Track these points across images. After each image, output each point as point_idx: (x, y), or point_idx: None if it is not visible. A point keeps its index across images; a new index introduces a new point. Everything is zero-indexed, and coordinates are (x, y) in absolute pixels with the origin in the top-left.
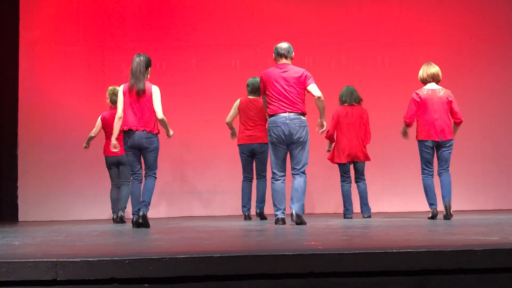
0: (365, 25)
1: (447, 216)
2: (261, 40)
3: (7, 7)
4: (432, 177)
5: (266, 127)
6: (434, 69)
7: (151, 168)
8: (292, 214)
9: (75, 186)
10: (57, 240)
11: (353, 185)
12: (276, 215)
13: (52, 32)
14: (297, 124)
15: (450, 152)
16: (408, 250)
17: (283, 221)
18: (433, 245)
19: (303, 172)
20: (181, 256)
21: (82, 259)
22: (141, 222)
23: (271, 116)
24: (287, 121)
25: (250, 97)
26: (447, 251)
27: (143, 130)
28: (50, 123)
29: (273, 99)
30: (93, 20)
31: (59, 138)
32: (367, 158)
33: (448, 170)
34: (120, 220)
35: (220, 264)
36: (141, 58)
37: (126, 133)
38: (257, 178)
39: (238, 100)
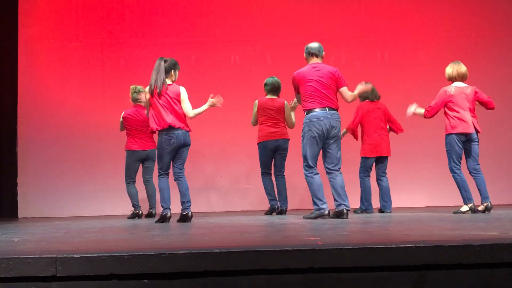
0: (364, 21)
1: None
2: (260, 36)
3: (6, 3)
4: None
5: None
6: (463, 67)
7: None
8: (343, 211)
9: (74, 182)
10: (56, 236)
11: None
12: (322, 209)
13: (51, 28)
14: (336, 119)
15: (478, 146)
16: (407, 245)
17: (330, 214)
18: (433, 240)
19: (339, 169)
20: (181, 252)
21: (81, 255)
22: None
23: (309, 111)
24: (328, 116)
25: (269, 96)
26: (447, 246)
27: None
28: (49, 119)
29: (310, 96)
30: (92, 17)
31: (59, 135)
32: (389, 152)
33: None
34: (150, 216)
35: (220, 260)
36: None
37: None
38: (276, 175)
39: (257, 102)
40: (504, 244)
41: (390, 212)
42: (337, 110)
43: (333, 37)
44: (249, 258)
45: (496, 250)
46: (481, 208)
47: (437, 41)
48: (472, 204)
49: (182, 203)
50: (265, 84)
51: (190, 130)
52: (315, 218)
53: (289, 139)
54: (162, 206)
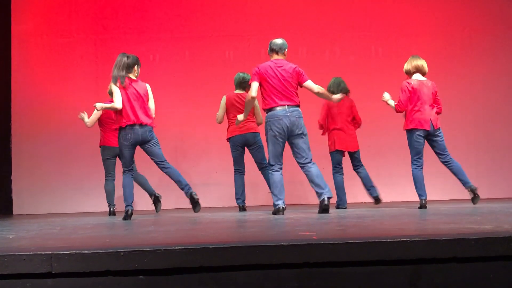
0: (358, 15)
1: (476, 199)
2: (254, 31)
3: None
4: (422, 168)
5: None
6: (421, 61)
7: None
8: (324, 200)
9: (69, 179)
10: (51, 233)
11: (348, 175)
12: (276, 204)
13: (45, 24)
14: (296, 116)
15: (443, 140)
16: (402, 239)
17: (283, 210)
18: (427, 234)
19: (311, 161)
20: (176, 248)
21: (77, 251)
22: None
23: (269, 110)
24: (288, 114)
25: (237, 92)
26: (441, 240)
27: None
28: (43, 116)
29: (270, 93)
30: (86, 12)
31: (53, 131)
32: (357, 147)
33: (451, 157)
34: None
35: (216, 255)
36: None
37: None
38: (260, 169)
39: (224, 97)
40: (498, 237)
41: (378, 197)
42: (298, 106)
43: (327, 32)
44: (245, 253)
45: (491, 243)
46: (470, 195)
47: (431, 35)
48: (423, 199)
49: (183, 189)
50: (234, 80)
51: (154, 127)
52: (273, 214)
53: (258, 133)
54: (124, 203)
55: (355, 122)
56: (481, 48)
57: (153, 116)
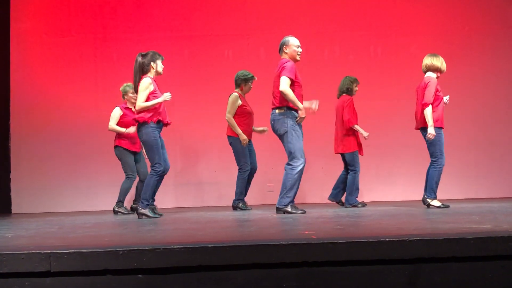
0: (358, 14)
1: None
2: (254, 30)
3: None
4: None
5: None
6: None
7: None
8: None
9: (68, 177)
10: (50, 232)
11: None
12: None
13: (44, 23)
14: (273, 118)
15: None
16: (401, 239)
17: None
18: (426, 233)
19: (288, 164)
20: (175, 247)
21: (75, 250)
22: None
23: None
24: (271, 116)
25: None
26: (440, 239)
27: None
28: (42, 115)
29: None
30: (85, 11)
31: (52, 130)
32: (345, 149)
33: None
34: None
35: (214, 254)
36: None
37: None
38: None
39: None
40: (497, 237)
41: (347, 206)
42: (277, 107)
43: (327, 31)
44: (243, 252)
45: (490, 243)
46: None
47: (430, 34)
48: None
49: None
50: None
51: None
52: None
53: (229, 136)
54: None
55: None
56: (481, 47)
57: (136, 107)
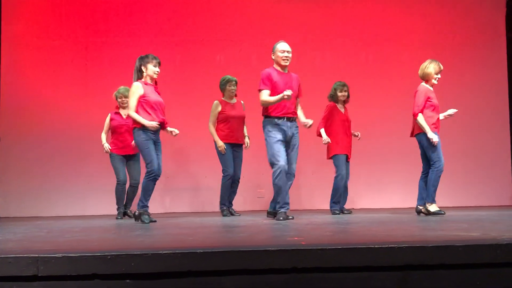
0: (349, 22)
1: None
2: (246, 36)
3: None
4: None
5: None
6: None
7: None
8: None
9: (57, 182)
10: (38, 235)
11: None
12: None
13: (35, 26)
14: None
15: None
16: (390, 246)
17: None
18: (415, 240)
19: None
20: (164, 252)
21: (63, 254)
22: None
23: None
24: None
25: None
26: (429, 246)
27: None
28: (32, 118)
29: None
30: (77, 15)
31: (41, 134)
32: (327, 154)
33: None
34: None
35: (203, 260)
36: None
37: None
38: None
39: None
40: (485, 245)
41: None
42: (263, 115)
43: (318, 38)
44: (233, 258)
45: (478, 250)
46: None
47: (422, 42)
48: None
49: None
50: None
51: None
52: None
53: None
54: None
55: None
56: (471, 56)
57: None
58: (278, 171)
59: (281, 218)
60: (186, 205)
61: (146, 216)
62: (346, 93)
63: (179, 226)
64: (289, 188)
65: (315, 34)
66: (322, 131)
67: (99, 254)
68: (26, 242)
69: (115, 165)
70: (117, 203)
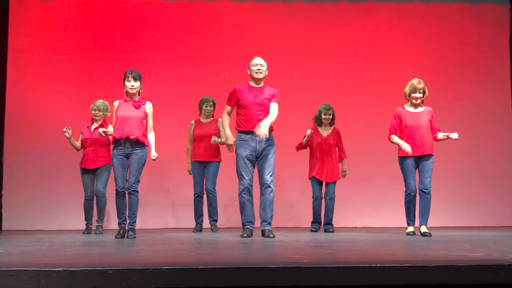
0: (353, 41)
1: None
2: (250, 53)
3: None
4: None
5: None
6: None
7: None
8: None
9: (60, 195)
10: (40, 249)
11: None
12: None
13: (41, 41)
14: None
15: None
16: (392, 265)
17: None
18: (417, 260)
19: None
20: (165, 267)
21: (64, 268)
22: None
23: None
24: None
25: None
26: (431, 266)
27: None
28: (36, 132)
29: None
30: (83, 30)
31: (45, 148)
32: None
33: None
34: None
35: (204, 276)
36: None
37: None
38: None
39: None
40: (488, 265)
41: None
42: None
43: (323, 56)
44: (234, 274)
45: (480, 271)
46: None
47: (424, 62)
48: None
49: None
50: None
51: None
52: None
53: None
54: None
55: None
56: (473, 77)
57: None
58: (241, 189)
59: (245, 235)
60: (187, 221)
61: (121, 231)
62: (330, 116)
63: (180, 241)
64: (271, 201)
65: (319, 53)
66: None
67: (100, 268)
68: (28, 256)
69: (83, 180)
70: (86, 218)
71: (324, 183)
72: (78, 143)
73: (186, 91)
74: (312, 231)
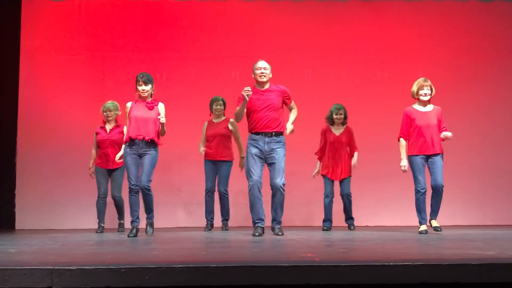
0: (365, 39)
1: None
2: (261, 52)
3: (8, 15)
4: None
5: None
6: None
7: None
8: None
9: (73, 195)
10: (53, 248)
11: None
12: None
13: (53, 41)
14: None
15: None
16: (405, 263)
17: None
18: (430, 258)
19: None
20: (177, 266)
21: (78, 267)
22: None
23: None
24: None
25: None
26: (444, 264)
27: None
28: (49, 132)
29: None
30: (94, 30)
31: (58, 147)
32: None
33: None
34: None
35: (216, 275)
36: None
37: None
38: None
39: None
40: (501, 264)
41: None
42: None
43: (334, 55)
44: (246, 273)
45: (494, 269)
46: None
47: (437, 60)
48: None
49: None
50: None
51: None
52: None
53: None
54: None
55: None
56: (487, 75)
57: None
58: (250, 186)
59: (257, 234)
60: (199, 220)
61: (133, 230)
62: (341, 116)
63: (192, 240)
64: (281, 204)
65: (330, 51)
66: (318, 164)
67: (113, 267)
68: (41, 255)
69: (97, 179)
70: (98, 217)
71: (338, 181)
72: (93, 153)
73: (196, 90)
74: (323, 229)
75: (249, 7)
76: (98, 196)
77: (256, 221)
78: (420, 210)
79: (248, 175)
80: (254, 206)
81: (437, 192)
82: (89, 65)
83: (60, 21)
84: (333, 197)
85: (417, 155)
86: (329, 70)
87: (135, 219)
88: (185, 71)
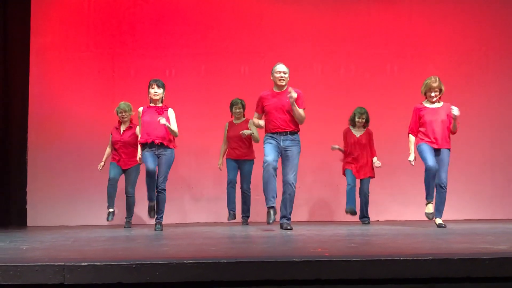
0: (374, 33)
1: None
2: (270, 47)
3: (18, 12)
4: None
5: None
6: None
7: None
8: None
9: (84, 191)
10: (65, 244)
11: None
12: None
13: (63, 38)
14: None
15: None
16: (415, 258)
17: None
18: (441, 253)
19: None
20: (188, 262)
21: (89, 263)
22: None
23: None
24: None
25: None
26: (455, 259)
27: None
28: (59, 129)
29: None
30: (104, 27)
31: (68, 144)
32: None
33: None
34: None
35: (227, 270)
36: None
37: None
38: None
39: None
40: None
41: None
42: None
43: (343, 49)
44: (256, 268)
45: (505, 264)
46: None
47: (447, 54)
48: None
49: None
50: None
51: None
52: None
53: None
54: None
55: None
56: (498, 68)
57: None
58: (265, 164)
59: (270, 221)
60: (209, 215)
61: (151, 213)
62: (363, 120)
63: (203, 236)
64: (291, 200)
65: (340, 45)
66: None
67: (124, 263)
68: (53, 251)
69: (110, 168)
70: (108, 201)
71: (358, 180)
72: (108, 151)
73: (206, 86)
74: (346, 211)
75: (258, 2)
76: (109, 180)
77: (270, 199)
78: (428, 186)
79: (264, 157)
80: (269, 183)
81: (440, 189)
82: (99, 62)
83: (69, 18)
84: (355, 185)
85: (425, 143)
86: (338, 64)
87: (152, 197)
88: (194, 67)
